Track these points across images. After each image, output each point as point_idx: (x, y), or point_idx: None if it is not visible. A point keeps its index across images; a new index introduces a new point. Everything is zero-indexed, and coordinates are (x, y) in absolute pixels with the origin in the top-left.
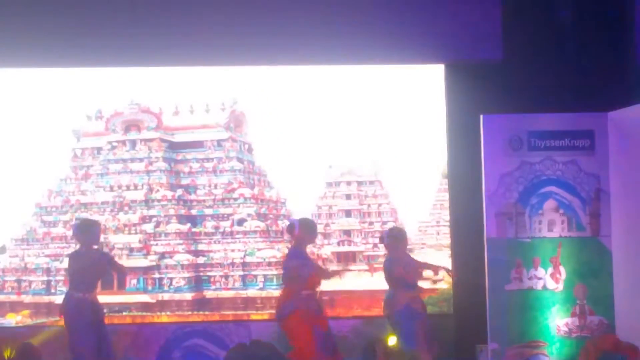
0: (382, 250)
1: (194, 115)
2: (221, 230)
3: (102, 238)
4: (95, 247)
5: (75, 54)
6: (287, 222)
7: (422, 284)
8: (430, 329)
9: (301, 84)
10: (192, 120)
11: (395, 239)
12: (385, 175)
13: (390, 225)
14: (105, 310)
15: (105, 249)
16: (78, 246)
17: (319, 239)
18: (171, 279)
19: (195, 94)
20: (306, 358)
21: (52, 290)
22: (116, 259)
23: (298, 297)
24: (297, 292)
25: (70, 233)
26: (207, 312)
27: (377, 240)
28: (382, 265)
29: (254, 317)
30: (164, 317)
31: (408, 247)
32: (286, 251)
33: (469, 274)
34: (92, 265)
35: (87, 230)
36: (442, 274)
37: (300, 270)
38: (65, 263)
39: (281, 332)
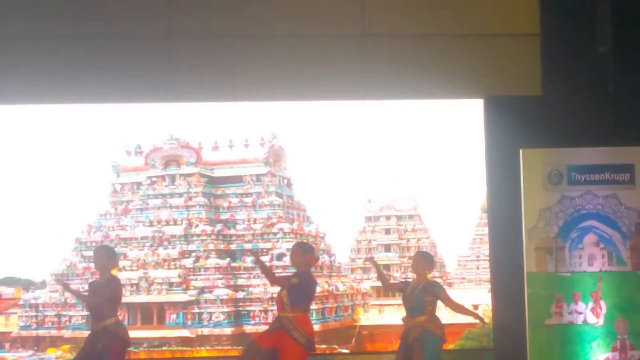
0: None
1: (233, 150)
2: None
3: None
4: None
5: (114, 90)
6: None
7: (462, 317)
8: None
9: (340, 118)
10: (231, 155)
11: (415, 261)
12: (425, 209)
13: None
14: (145, 345)
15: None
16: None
17: (358, 273)
18: (210, 313)
19: (234, 129)
20: None
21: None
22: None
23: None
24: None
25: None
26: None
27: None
28: None
29: None
30: (204, 352)
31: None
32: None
33: (509, 309)
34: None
35: (100, 257)
36: (481, 308)
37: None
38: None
39: None
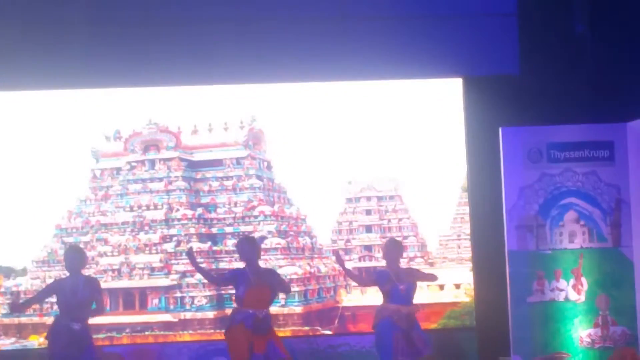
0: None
1: (213, 133)
2: None
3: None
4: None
5: (92, 75)
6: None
7: (444, 296)
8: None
9: (319, 100)
10: (211, 139)
11: (386, 248)
12: (405, 189)
13: (411, 240)
14: (127, 330)
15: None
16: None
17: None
18: (193, 297)
19: (213, 113)
20: None
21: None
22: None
23: (238, 313)
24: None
25: (91, 254)
26: None
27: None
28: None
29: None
30: (187, 336)
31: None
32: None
33: (490, 287)
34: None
35: (72, 257)
36: (463, 287)
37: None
38: None
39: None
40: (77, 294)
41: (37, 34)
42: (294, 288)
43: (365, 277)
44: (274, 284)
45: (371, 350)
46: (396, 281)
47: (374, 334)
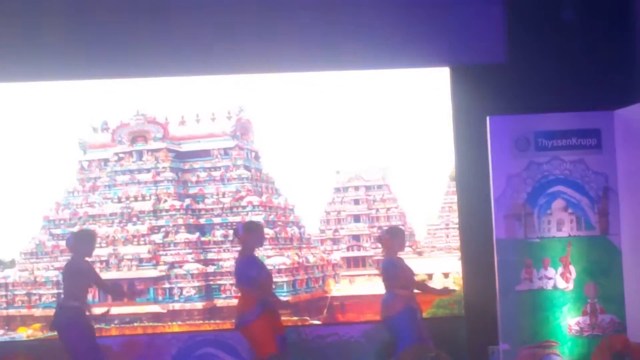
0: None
1: (200, 124)
2: (230, 238)
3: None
4: (88, 259)
5: (79, 66)
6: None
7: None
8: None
9: (307, 90)
10: (199, 130)
11: (394, 237)
12: (393, 179)
13: None
14: (116, 321)
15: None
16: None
17: (328, 245)
18: (181, 288)
19: (201, 103)
20: None
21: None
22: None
23: (259, 304)
24: (259, 298)
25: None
26: (218, 321)
27: None
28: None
29: None
30: (175, 327)
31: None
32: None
33: (479, 276)
34: (86, 276)
35: (84, 241)
36: (451, 276)
37: (259, 276)
38: None
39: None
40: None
41: (23, 25)
42: (283, 278)
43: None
44: None
45: (360, 340)
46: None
47: (386, 323)
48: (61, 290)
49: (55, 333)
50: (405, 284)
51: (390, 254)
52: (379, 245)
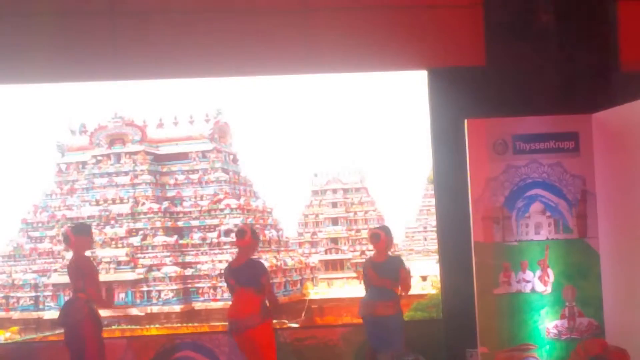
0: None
1: (178, 127)
2: (208, 241)
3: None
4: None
5: (57, 70)
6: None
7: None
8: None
9: (284, 93)
10: (177, 132)
11: (390, 235)
12: (371, 182)
13: None
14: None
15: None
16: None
17: (306, 248)
18: (159, 291)
19: (178, 106)
20: None
21: (41, 306)
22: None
23: (264, 309)
24: (263, 301)
25: (57, 248)
26: (196, 324)
27: (364, 248)
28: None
29: None
30: (153, 330)
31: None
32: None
33: (457, 279)
34: (89, 268)
35: (81, 235)
36: (429, 279)
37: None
38: (53, 278)
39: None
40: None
41: (4, 25)
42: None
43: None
44: None
45: (338, 344)
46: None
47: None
48: (39, 294)
49: (54, 331)
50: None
51: (385, 253)
52: (371, 245)
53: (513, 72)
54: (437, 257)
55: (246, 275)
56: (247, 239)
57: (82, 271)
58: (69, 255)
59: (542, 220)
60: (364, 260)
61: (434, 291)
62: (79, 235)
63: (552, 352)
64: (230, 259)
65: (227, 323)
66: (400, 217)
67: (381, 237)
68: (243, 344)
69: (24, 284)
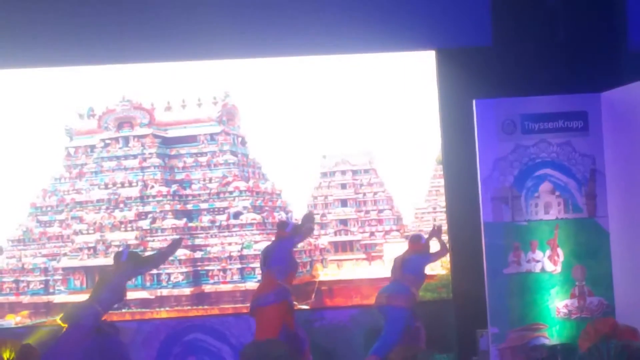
0: (378, 239)
1: (186, 110)
2: (217, 224)
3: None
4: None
5: (64, 53)
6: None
7: None
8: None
9: (292, 75)
10: (185, 115)
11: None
12: (380, 163)
13: (387, 213)
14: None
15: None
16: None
17: (315, 229)
18: (169, 274)
19: (186, 89)
20: None
21: (51, 290)
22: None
23: (282, 290)
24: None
25: (67, 232)
26: (206, 307)
27: (373, 229)
28: (379, 254)
29: None
30: (163, 313)
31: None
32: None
33: (467, 259)
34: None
35: (135, 262)
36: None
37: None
38: (62, 262)
39: None
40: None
41: (7, 12)
42: None
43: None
44: None
45: (347, 325)
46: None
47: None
48: (49, 278)
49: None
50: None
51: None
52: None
53: (521, 52)
54: (446, 237)
55: (272, 259)
56: (288, 231)
57: (116, 294)
58: (80, 238)
59: (552, 200)
60: (373, 241)
61: (443, 272)
62: (132, 263)
63: (562, 332)
64: (239, 241)
65: (237, 305)
66: (409, 198)
67: (421, 240)
68: (256, 320)
69: (33, 268)
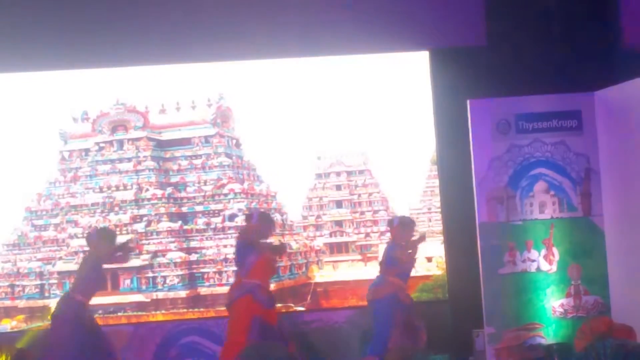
0: (374, 240)
1: (180, 112)
2: (212, 226)
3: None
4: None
5: (57, 56)
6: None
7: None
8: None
9: (286, 76)
10: (179, 118)
11: (404, 226)
12: (374, 164)
13: (382, 214)
14: (100, 311)
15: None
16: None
17: (311, 231)
18: (165, 277)
19: (180, 91)
20: (233, 349)
21: (46, 294)
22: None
23: (243, 286)
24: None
25: (62, 236)
26: (202, 309)
27: (368, 230)
28: (375, 255)
29: None
30: (160, 316)
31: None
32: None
33: (462, 260)
34: (100, 274)
35: (106, 240)
36: (434, 260)
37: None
38: (58, 266)
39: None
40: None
41: (3, 14)
42: None
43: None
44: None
45: (344, 326)
46: (406, 256)
47: (369, 306)
48: (44, 282)
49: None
50: (399, 273)
51: (397, 241)
52: (388, 230)
53: (515, 51)
54: (441, 238)
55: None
56: (254, 223)
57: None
58: (75, 242)
59: (547, 199)
60: (368, 242)
61: (439, 272)
62: (105, 239)
63: (559, 331)
64: (234, 243)
65: None
66: (404, 199)
67: (393, 226)
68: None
69: (28, 273)
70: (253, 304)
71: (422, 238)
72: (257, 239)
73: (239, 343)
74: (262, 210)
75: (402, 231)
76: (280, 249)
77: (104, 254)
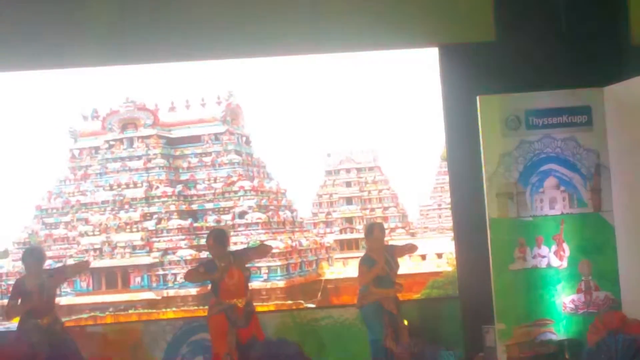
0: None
1: (190, 110)
2: (222, 223)
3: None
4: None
5: (67, 55)
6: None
7: (426, 266)
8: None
9: (296, 73)
10: (189, 115)
11: (366, 235)
12: (384, 160)
13: (392, 210)
14: (111, 309)
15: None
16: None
17: (321, 228)
18: (175, 274)
19: (190, 89)
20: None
21: (57, 292)
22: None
23: (219, 304)
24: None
25: (72, 234)
26: None
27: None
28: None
29: (259, 308)
30: (170, 313)
31: (386, 239)
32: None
33: (472, 256)
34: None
35: (38, 259)
36: (445, 256)
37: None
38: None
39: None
40: (42, 294)
41: (10, 14)
42: (276, 262)
43: (361, 275)
44: (244, 263)
45: (355, 323)
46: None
47: (360, 312)
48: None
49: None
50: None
51: (367, 251)
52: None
53: (524, 47)
54: (452, 234)
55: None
56: (210, 242)
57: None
58: (86, 240)
59: (557, 195)
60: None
61: (449, 269)
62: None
63: (569, 327)
64: (244, 241)
65: None
66: (414, 195)
67: (374, 233)
68: None
69: None
70: (226, 322)
71: (409, 248)
72: (215, 256)
73: (220, 355)
74: (216, 227)
75: (367, 240)
76: (261, 250)
77: (32, 274)
